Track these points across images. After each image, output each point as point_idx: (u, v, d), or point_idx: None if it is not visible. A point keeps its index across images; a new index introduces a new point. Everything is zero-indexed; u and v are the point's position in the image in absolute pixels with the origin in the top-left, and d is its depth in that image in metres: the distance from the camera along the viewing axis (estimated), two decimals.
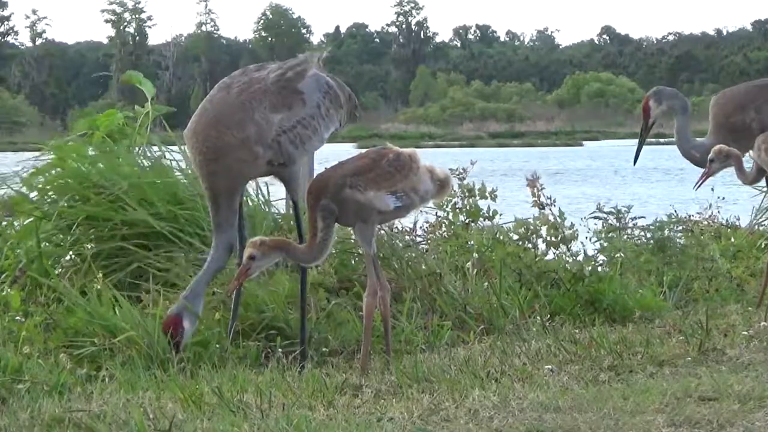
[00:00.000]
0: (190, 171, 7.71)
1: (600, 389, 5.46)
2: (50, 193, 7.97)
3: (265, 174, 6.40)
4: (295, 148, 6.28)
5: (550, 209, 8.19)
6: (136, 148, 8.15)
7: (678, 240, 8.83)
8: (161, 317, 6.35)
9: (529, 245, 8.06)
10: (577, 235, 8.23)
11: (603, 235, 8.71)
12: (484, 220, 8.27)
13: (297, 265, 6.43)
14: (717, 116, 8.51)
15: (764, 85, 8.72)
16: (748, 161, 8.02)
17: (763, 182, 8.13)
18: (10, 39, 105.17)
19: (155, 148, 8.13)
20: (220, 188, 6.17)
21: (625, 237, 8.78)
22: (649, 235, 8.77)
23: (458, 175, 8.23)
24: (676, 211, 9.36)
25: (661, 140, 23.56)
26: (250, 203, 7.89)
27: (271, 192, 8.05)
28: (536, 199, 8.23)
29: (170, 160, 8.02)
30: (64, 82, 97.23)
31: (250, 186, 7.85)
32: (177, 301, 6.25)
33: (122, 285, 7.09)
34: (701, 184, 7.88)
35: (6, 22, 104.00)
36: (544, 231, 8.12)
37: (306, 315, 6.44)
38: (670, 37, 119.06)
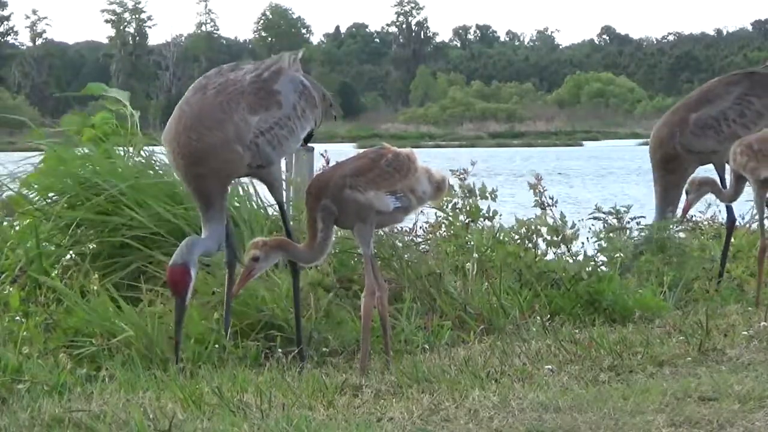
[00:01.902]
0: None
1: (600, 389, 5.46)
2: (50, 194, 7.97)
3: (245, 175, 6.37)
4: (272, 149, 6.25)
5: (552, 210, 8.20)
6: (130, 149, 8.16)
7: (677, 240, 8.83)
8: (160, 317, 6.35)
9: (530, 245, 8.06)
10: (578, 235, 8.23)
11: (603, 236, 8.71)
12: (484, 220, 8.27)
13: (290, 267, 6.41)
14: (651, 158, 8.75)
15: (674, 110, 8.86)
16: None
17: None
18: (10, 39, 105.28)
19: (153, 149, 8.13)
20: (208, 189, 6.10)
21: (625, 237, 8.77)
22: (648, 234, 8.76)
23: (459, 175, 8.23)
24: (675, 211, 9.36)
25: None
26: (252, 205, 7.89)
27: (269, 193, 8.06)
28: (538, 199, 8.24)
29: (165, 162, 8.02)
30: (64, 82, 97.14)
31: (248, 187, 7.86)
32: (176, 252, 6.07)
33: (122, 285, 7.08)
34: (685, 215, 8.39)
35: (6, 22, 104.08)
36: (544, 231, 8.12)
37: (300, 315, 6.43)
38: (670, 37, 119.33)
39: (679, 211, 8.66)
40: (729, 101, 8.65)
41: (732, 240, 9.32)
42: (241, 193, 7.83)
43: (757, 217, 10.05)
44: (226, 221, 6.36)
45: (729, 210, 8.67)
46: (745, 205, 9.25)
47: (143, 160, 8.05)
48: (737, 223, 9.29)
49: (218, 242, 6.22)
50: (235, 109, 6.14)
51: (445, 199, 8.03)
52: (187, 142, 6.05)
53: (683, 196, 8.34)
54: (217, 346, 6.31)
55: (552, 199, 8.26)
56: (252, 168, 6.23)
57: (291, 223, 6.77)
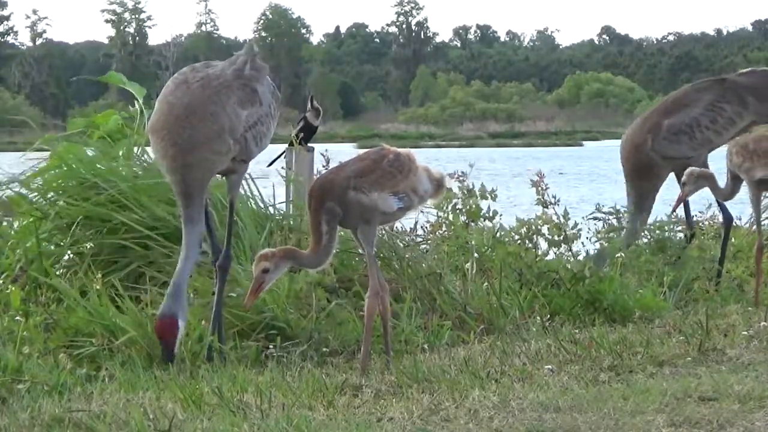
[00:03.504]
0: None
1: (600, 389, 5.46)
2: (50, 194, 7.97)
3: (224, 171, 6.35)
4: (255, 145, 6.30)
5: (554, 208, 8.21)
6: (135, 149, 8.16)
7: (678, 241, 8.83)
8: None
9: (530, 245, 8.06)
10: (580, 234, 8.24)
11: (603, 236, 8.71)
12: (485, 220, 8.27)
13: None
14: (624, 166, 8.76)
15: (645, 117, 8.89)
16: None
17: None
18: (10, 39, 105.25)
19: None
20: (192, 182, 6.09)
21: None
22: (650, 236, 8.77)
23: (458, 178, 8.24)
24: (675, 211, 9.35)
25: None
26: (253, 205, 7.90)
27: (267, 193, 8.08)
28: (540, 197, 8.25)
29: None
30: (64, 82, 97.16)
31: (246, 188, 7.86)
32: (164, 300, 6.13)
33: (122, 285, 7.08)
34: (677, 207, 8.27)
35: (6, 22, 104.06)
36: (545, 230, 8.13)
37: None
38: (670, 37, 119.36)
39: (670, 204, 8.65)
40: (701, 108, 8.71)
41: (732, 240, 9.34)
42: (241, 192, 7.83)
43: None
44: (209, 224, 6.41)
45: (724, 209, 8.70)
46: (746, 205, 9.26)
47: (144, 163, 8.05)
48: (734, 223, 9.30)
49: (198, 244, 6.23)
50: (227, 101, 6.16)
51: (445, 199, 8.03)
52: (180, 131, 6.04)
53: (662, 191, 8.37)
54: (215, 352, 6.29)
55: (555, 197, 8.26)
56: (235, 162, 6.24)
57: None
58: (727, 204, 8.66)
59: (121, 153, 8.09)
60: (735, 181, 7.92)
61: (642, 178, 8.64)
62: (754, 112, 8.75)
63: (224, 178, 6.59)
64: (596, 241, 8.68)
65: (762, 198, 8.28)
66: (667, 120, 8.70)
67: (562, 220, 8.13)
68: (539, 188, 8.25)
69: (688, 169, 7.97)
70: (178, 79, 6.32)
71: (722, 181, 8.00)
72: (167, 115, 6.13)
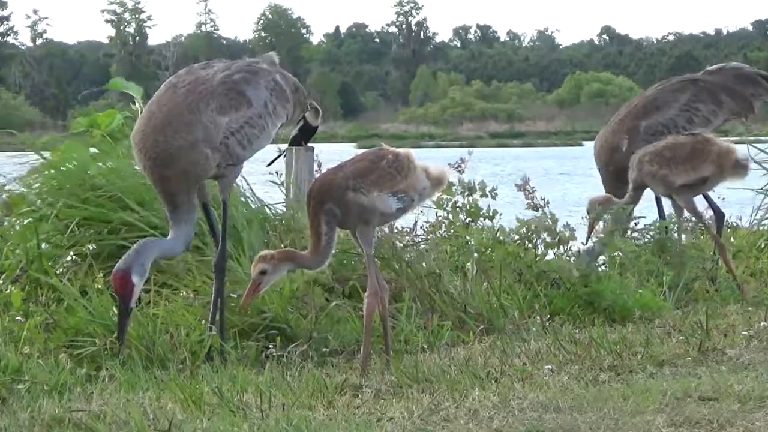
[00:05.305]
0: None
1: (600, 389, 5.46)
2: (48, 195, 7.97)
3: (214, 176, 6.31)
4: (242, 149, 6.25)
5: (544, 211, 8.21)
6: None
7: (678, 241, 8.82)
8: (162, 317, 6.35)
9: (530, 245, 8.06)
10: (576, 235, 8.24)
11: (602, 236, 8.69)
12: (484, 219, 8.26)
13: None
14: (602, 170, 8.79)
15: (620, 119, 8.90)
16: None
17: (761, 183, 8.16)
18: (10, 39, 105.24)
19: None
20: (174, 191, 6.09)
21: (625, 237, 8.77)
22: (649, 236, 8.76)
23: (457, 167, 8.23)
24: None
25: None
26: (252, 205, 7.91)
27: (266, 193, 8.07)
28: (530, 201, 8.26)
29: None
30: (64, 82, 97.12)
31: (242, 187, 7.85)
32: (124, 257, 6.05)
33: None
34: (589, 236, 8.34)
35: (6, 22, 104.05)
36: (545, 235, 8.13)
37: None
38: (670, 37, 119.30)
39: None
40: (676, 108, 8.75)
41: (732, 240, 9.34)
42: (245, 195, 7.84)
43: (757, 217, 10.12)
44: (210, 218, 6.39)
45: (712, 205, 8.76)
46: (744, 206, 9.26)
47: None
48: (738, 224, 9.31)
49: (185, 243, 6.21)
50: (204, 110, 6.10)
51: (445, 197, 8.03)
52: (154, 144, 6.04)
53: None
54: (215, 352, 6.28)
55: (544, 200, 8.27)
56: (221, 168, 6.22)
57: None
58: (725, 204, 8.69)
59: (119, 152, 8.10)
60: (637, 191, 8.15)
61: (624, 181, 8.68)
62: (728, 110, 8.82)
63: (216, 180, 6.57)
64: (595, 241, 8.66)
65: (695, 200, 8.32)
66: (644, 122, 8.75)
67: (550, 222, 8.13)
68: (526, 191, 8.27)
69: (591, 199, 8.13)
70: (170, 83, 6.32)
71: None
72: (145, 126, 6.13)
